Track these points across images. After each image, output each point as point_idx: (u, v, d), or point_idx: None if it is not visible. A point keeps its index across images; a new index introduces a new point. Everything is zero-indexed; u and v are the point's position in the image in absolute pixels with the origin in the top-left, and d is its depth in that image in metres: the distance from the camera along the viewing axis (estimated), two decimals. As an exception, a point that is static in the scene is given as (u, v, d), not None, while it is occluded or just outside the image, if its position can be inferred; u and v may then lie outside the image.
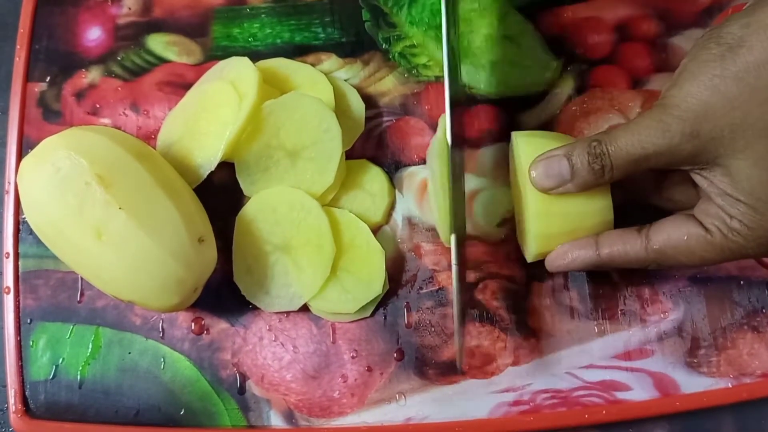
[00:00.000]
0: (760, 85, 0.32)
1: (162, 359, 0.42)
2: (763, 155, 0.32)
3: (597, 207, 0.37)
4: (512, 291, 0.43)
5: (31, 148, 0.40)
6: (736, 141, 0.32)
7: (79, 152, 0.38)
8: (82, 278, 0.43)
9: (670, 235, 0.36)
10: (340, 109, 0.44)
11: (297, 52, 0.46)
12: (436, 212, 0.42)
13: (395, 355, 0.42)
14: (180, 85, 0.46)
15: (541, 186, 0.37)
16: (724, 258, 0.35)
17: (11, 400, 0.41)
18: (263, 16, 0.47)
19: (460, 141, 0.41)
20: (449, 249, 0.42)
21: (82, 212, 0.37)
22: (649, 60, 0.46)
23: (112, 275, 0.38)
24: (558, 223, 0.38)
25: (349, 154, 0.44)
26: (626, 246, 0.37)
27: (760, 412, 0.42)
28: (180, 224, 0.38)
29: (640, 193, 0.40)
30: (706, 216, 0.35)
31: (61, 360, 0.42)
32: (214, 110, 0.43)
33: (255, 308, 0.42)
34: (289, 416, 0.41)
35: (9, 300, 0.43)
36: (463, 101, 0.44)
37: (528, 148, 0.38)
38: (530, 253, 0.40)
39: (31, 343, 0.42)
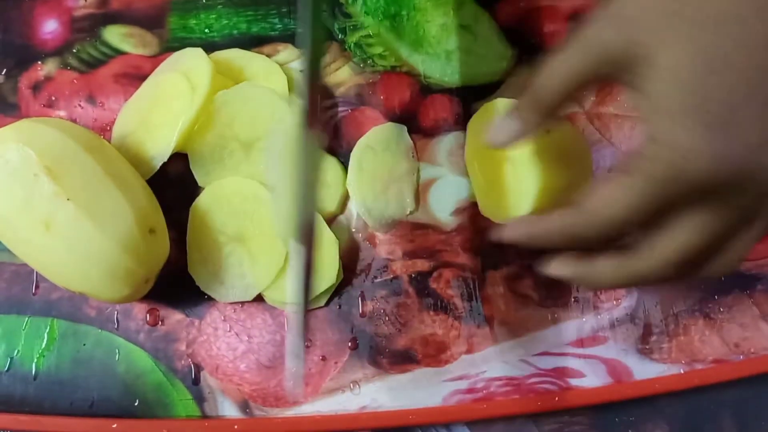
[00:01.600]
0: None
1: (117, 351, 0.42)
2: (686, 47, 0.27)
3: (583, 166, 0.39)
4: (466, 279, 0.43)
5: (-14, 141, 0.40)
6: (660, 31, 0.27)
7: (28, 144, 0.37)
8: (36, 270, 0.43)
9: (597, 190, 0.30)
10: (295, 99, 0.44)
11: (254, 42, 0.46)
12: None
13: (349, 344, 0.42)
14: (136, 77, 0.46)
15: (500, 143, 0.35)
16: (648, 195, 0.28)
17: (-34, 393, 0.42)
18: (220, 7, 0.47)
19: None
20: (404, 237, 0.43)
21: (30, 204, 0.37)
22: (605, 48, 0.46)
23: (61, 267, 0.38)
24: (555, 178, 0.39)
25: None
26: (561, 213, 0.32)
27: (760, 413, 0.42)
28: (129, 215, 0.38)
29: None
30: (629, 158, 0.29)
31: (16, 352, 0.42)
32: (168, 101, 0.43)
33: (210, 299, 0.42)
34: (243, 406, 0.41)
35: (-36, 293, 0.43)
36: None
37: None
38: (520, 213, 0.39)
39: (-14, 335, 0.42)
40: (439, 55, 0.46)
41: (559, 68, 0.31)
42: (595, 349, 0.42)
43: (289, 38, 0.46)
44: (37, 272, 0.43)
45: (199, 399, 0.41)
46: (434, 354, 0.42)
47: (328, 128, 0.45)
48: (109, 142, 0.43)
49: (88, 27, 0.47)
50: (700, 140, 0.27)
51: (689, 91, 0.27)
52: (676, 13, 0.27)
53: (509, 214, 0.40)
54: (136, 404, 0.41)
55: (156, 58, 0.46)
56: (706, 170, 0.27)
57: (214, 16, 0.47)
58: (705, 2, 0.27)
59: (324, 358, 0.42)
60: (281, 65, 0.45)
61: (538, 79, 0.32)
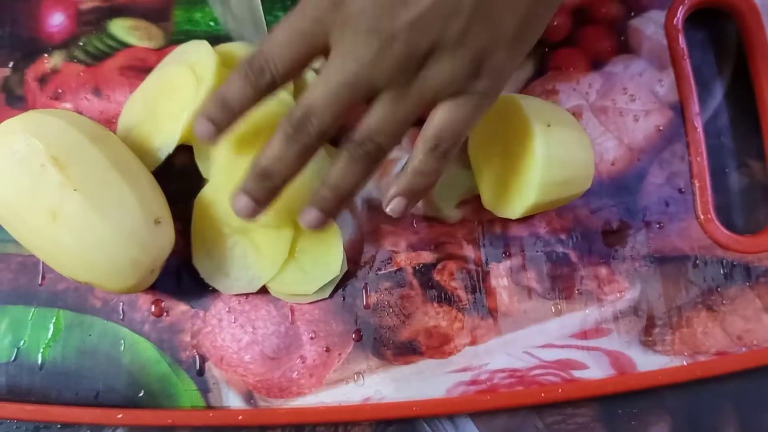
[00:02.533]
0: None
1: (122, 341, 0.42)
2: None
3: (585, 157, 0.39)
4: (470, 271, 0.43)
5: (-7, 133, 0.41)
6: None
7: (35, 135, 0.38)
8: (42, 261, 0.43)
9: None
10: (299, 91, 0.44)
11: (258, 36, 0.46)
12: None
13: (353, 335, 0.42)
14: (142, 70, 0.46)
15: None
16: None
17: (-27, 383, 0.42)
18: None
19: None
20: (408, 229, 0.43)
21: (37, 194, 0.37)
22: (608, 42, 0.46)
23: (67, 256, 0.38)
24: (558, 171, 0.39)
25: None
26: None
27: (762, 404, 0.42)
28: (135, 206, 0.38)
29: None
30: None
31: (22, 342, 0.42)
32: (173, 94, 0.43)
33: (214, 290, 0.42)
34: (248, 397, 0.41)
35: (-29, 284, 0.43)
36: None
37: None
38: (523, 206, 0.40)
39: (-8, 326, 0.43)
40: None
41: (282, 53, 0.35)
42: (599, 341, 0.42)
43: (293, 31, 0.46)
44: (43, 263, 0.43)
45: (204, 390, 0.41)
46: (438, 346, 0.42)
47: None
48: (115, 134, 0.43)
49: (95, 20, 0.47)
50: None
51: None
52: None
53: (512, 207, 0.40)
54: (141, 395, 0.41)
55: (161, 51, 0.46)
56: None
57: (219, 9, 0.47)
58: None
59: (328, 350, 0.42)
60: (286, 58, 0.45)
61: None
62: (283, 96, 0.42)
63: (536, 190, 0.39)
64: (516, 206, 0.40)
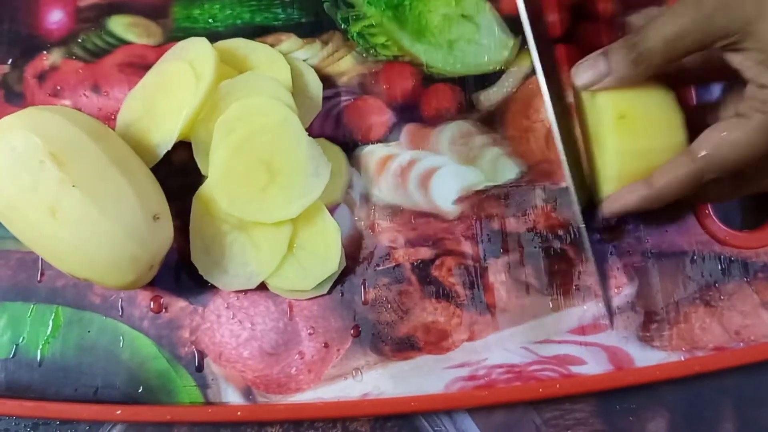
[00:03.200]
0: None
1: (121, 337, 0.42)
2: None
3: (674, 142, 0.38)
4: (468, 267, 0.43)
5: (-8, 130, 0.41)
6: (762, 4, 0.33)
7: (33, 131, 0.38)
8: (42, 258, 0.43)
9: (712, 138, 0.36)
10: (298, 88, 0.44)
11: (257, 32, 0.46)
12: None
13: (352, 331, 0.42)
14: (141, 66, 0.46)
15: (580, 82, 0.39)
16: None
17: (-28, 379, 0.42)
18: (223, -3, 0.47)
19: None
20: (407, 225, 0.43)
21: (36, 190, 0.37)
22: (606, 38, 0.46)
23: (66, 253, 0.38)
24: (632, 160, 0.39)
25: (307, 133, 0.44)
26: (675, 169, 0.37)
27: (760, 400, 0.42)
28: (134, 202, 0.38)
29: None
30: (739, 104, 0.35)
31: (21, 339, 0.42)
32: (172, 90, 0.43)
33: (213, 287, 0.42)
34: (246, 393, 0.41)
35: (-30, 280, 0.43)
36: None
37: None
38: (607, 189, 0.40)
39: (-9, 322, 0.43)
40: (442, 45, 0.46)
41: (667, 31, 0.35)
42: (597, 336, 0.42)
43: (291, 28, 0.47)
44: (42, 259, 0.43)
45: (203, 385, 0.42)
46: (436, 341, 0.42)
47: (330, 117, 0.45)
48: (114, 130, 0.44)
49: (93, 17, 0.47)
50: None
51: None
52: None
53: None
54: (140, 391, 0.42)
55: (160, 48, 0.46)
56: None
57: (217, 6, 0.47)
58: None
59: (326, 345, 0.42)
60: (284, 55, 0.45)
61: (643, 35, 0.36)
62: (284, 96, 0.42)
63: (614, 182, 0.39)
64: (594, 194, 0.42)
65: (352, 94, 0.45)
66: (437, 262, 0.43)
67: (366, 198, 0.44)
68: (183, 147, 0.43)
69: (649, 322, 0.42)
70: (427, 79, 0.46)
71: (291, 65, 0.44)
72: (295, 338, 0.42)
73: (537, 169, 0.44)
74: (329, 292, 0.43)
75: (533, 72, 0.45)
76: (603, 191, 0.41)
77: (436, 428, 0.42)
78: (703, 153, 0.36)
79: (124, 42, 0.47)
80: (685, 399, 0.42)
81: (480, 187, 0.44)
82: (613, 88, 0.38)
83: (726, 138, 0.35)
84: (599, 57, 0.38)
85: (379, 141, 0.45)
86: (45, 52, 0.46)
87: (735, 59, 0.35)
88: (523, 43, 0.46)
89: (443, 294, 0.43)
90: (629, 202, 0.39)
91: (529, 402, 0.42)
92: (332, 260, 0.42)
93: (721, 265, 0.43)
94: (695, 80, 0.43)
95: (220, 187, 0.42)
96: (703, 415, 0.42)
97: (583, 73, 0.38)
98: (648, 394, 0.42)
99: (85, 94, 0.46)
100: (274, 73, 0.44)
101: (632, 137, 0.39)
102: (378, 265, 0.43)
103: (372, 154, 0.45)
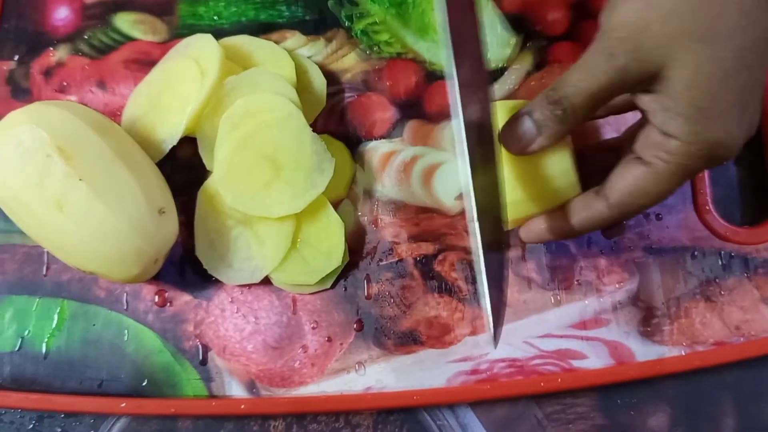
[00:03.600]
0: None
1: (126, 331, 0.43)
2: (700, 61, 0.31)
3: (560, 169, 0.38)
4: (470, 262, 0.43)
5: (-2, 125, 0.41)
6: (675, 50, 0.32)
7: (40, 125, 0.38)
8: (47, 252, 0.43)
9: (621, 186, 0.35)
10: (302, 85, 0.45)
11: (262, 29, 0.47)
12: None
13: (355, 325, 0.43)
14: (146, 63, 0.46)
15: (513, 149, 0.37)
16: (675, 183, 0.34)
17: (-22, 372, 0.42)
18: (228, -6, 0.48)
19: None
20: (410, 221, 0.43)
21: (43, 184, 0.38)
22: (608, 36, 0.46)
23: (73, 246, 0.38)
24: (524, 188, 0.38)
25: (311, 129, 0.44)
26: (590, 211, 0.37)
27: (760, 395, 0.43)
28: (140, 196, 0.39)
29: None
30: (645, 148, 0.34)
31: (26, 332, 0.43)
32: (177, 86, 0.43)
33: (217, 281, 0.43)
34: (250, 386, 0.42)
35: (-24, 274, 0.44)
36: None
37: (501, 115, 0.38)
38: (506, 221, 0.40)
39: (-3, 315, 0.43)
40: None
41: (586, 87, 0.34)
42: (598, 331, 0.42)
43: (296, 25, 0.47)
44: (47, 253, 0.44)
45: (207, 379, 0.42)
46: (438, 336, 0.42)
47: (334, 114, 0.45)
48: (119, 126, 0.44)
49: (99, 14, 0.47)
50: (709, 133, 0.32)
51: (699, 96, 0.32)
52: (685, 34, 0.31)
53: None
54: (144, 384, 0.42)
55: (165, 45, 0.47)
56: (714, 156, 0.33)
57: (222, 3, 0.47)
58: (715, 21, 0.31)
59: (330, 340, 0.42)
60: (289, 51, 0.45)
61: (564, 92, 0.35)
62: (288, 92, 0.43)
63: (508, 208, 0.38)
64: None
65: (355, 90, 0.46)
66: (440, 257, 0.43)
67: (369, 193, 0.44)
68: (188, 142, 0.44)
69: (650, 317, 0.42)
70: (430, 76, 0.46)
71: (295, 62, 0.45)
72: (299, 332, 0.42)
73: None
74: (333, 286, 0.43)
75: (535, 69, 0.46)
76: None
77: (438, 422, 0.42)
78: (616, 200, 0.35)
79: (129, 39, 0.47)
80: (685, 393, 0.42)
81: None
82: (544, 148, 0.37)
83: (636, 186, 0.35)
84: (524, 119, 0.36)
85: (382, 137, 0.45)
86: (51, 49, 0.47)
87: (643, 100, 0.34)
88: (525, 40, 0.46)
89: (446, 289, 0.43)
90: (543, 233, 0.39)
91: (531, 396, 0.42)
92: (336, 255, 0.42)
93: (722, 261, 0.44)
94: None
95: (225, 182, 0.42)
96: (704, 410, 0.42)
97: (512, 138, 0.37)
98: (649, 388, 0.42)
99: (91, 91, 0.46)
100: (279, 69, 0.44)
101: (520, 163, 0.38)
102: (381, 260, 0.43)
103: (375, 150, 0.45)
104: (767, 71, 0.33)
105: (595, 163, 0.40)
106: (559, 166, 0.38)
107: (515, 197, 0.38)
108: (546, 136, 0.36)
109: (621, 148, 0.39)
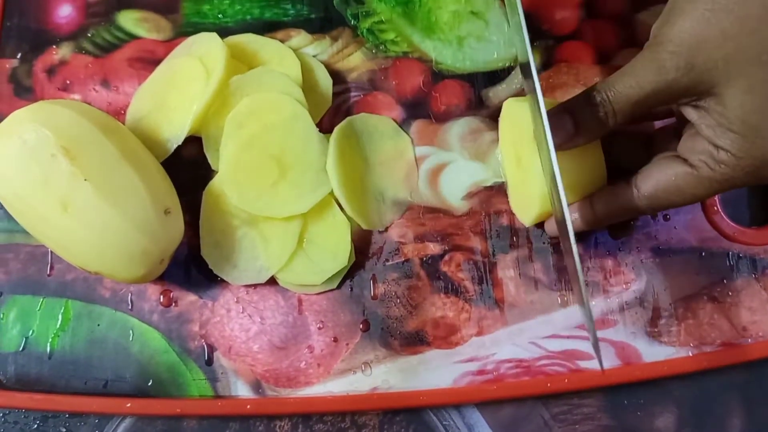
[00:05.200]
0: (750, 15, 0.32)
1: (131, 331, 0.42)
2: (755, 83, 0.32)
3: (590, 162, 0.38)
4: (477, 263, 0.43)
5: (1, 123, 0.41)
6: (730, 70, 0.32)
7: (44, 125, 0.38)
8: (51, 252, 0.43)
9: (659, 179, 0.36)
10: (308, 84, 0.44)
11: (267, 28, 0.47)
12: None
13: (361, 326, 0.42)
14: (150, 61, 0.46)
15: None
16: (713, 190, 0.35)
17: (-18, 372, 0.42)
18: (233, -8, 0.47)
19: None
20: (416, 221, 0.43)
21: (47, 184, 0.37)
22: (615, 36, 0.46)
23: (78, 246, 0.38)
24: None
25: (317, 129, 0.44)
26: (619, 199, 0.38)
27: (767, 396, 0.43)
28: (145, 196, 0.38)
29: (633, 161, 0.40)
30: (691, 153, 0.35)
31: (31, 332, 0.42)
32: (182, 85, 0.43)
33: (223, 281, 0.42)
34: (256, 386, 0.42)
35: (-20, 274, 0.43)
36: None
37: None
38: (530, 216, 0.41)
39: (1, 315, 0.43)
40: (451, 42, 0.46)
41: (632, 94, 0.35)
42: (605, 332, 0.42)
43: (301, 24, 0.47)
44: (52, 253, 0.43)
45: (212, 379, 0.42)
46: (445, 336, 0.42)
47: (340, 113, 0.45)
48: (124, 125, 0.44)
49: (103, 11, 0.47)
50: (759, 151, 0.33)
51: (752, 115, 0.33)
52: (740, 56, 0.32)
53: (523, 215, 0.42)
54: (149, 384, 0.42)
55: (170, 43, 0.46)
56: (761, 174, 0.34)
57: (227, 1, 0.47)
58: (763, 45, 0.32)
59: (336, 340, 0.42)
60: (294, 50, 0.45)
61: (609, 94, 0.35)
62: (294, 91, 0.42)
63: (537, 201, 0.39)
64: (526, 215, 0.42)
65: (361, 90, 0.46)
66: (446, 257, 0.43)
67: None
68: (193, 142, 0.43)
69: (657, 318, 0.42)
70: (437, 75, 0.46)
71: (301, 61, 0.44)
72: (305, 332, 0.42)
73: (545, 166, 0.44)
74: (339, 286, 0.43)
75: (542, 69, 0.46)
76: (533, 210, 0.40)
77: (444, 422, 0.42)
78: (649, 192, 0.36)
79: (133, 37, 0.47)
80: (693, 394, 0.42)
81: (489, 183, 0.44)
82: (579, 146, 0.38)
83: (674, 183, 0.36)
84: (564, 116, 0.37)
85: (388, 136, 0.45)
86: (54, 47, 0.47)
87: (693, 114, 0.35)
88: (533, 40, 0.46)
89: (452, 289, 0.43)
90: (573, 224, 0.38)
91: (538, 397, 0.42)
92: (342, 255, 0.42)
93: (730, 262, 0.43)
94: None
95: (231, 181, 0.42)
96: (711, 411, 0.42)
97: (552, 135, 0.37)
98: (656, 389, 0.42)
99: (94, 89, 0.46)
100: (285, 68, 0.44)
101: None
102: (387, 260, 0.43)
103: (381, 149, 0.45)
104: None
105: (621, 154, 0.41)
106: (590, 159, 0.38)
107: (544, 190, 0.38)
108: (584, 135, 0.37)
109: (653, 144, 0.40)
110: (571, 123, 0.37)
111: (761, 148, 0.33)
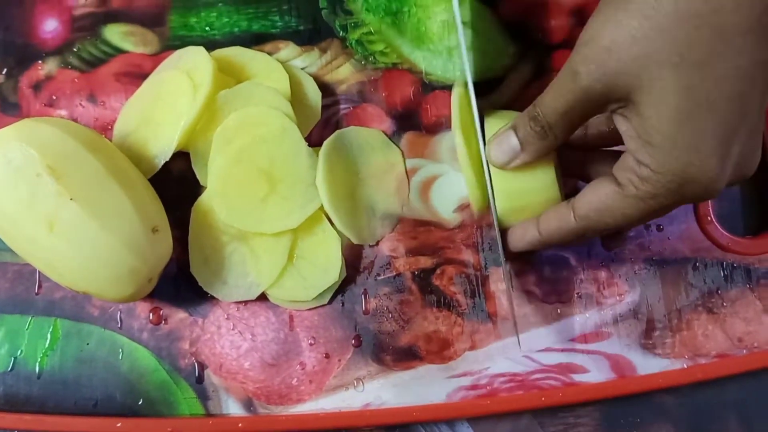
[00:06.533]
0: (659, 15, 0.29)
1: (120, 350, 0.42)
2: (667, 89, 0.30)
3: (542, 184, 0.38)
4: (469, 276, 0.43)
5: (-14, 141, 0.40)
6: (641, 75, 0.30)
7: (30, 144, 0.37)
8: (39, 270, 0.43)
9: (591, 200, 0.34)
10: (297, 97, 0.44)
11: (255, 40, 0.46)
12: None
13: (353, 341, 0.42)
14: (137, 76, 0.46)
15: (497, 163, 0.37)
16: (642, 211, 0.33)
17: (-30, 393, 0.42)
18: (220, 4, 0.47)
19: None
20: (407, 234, 0.43)
21: (33, 204, 0.37)
22: (606, 44, 0.46)
23: (65, 266, 0.38)
24: (507, 199, 0.38)
25: (306, 142, 0.43)
26: (560, 221, 0.36)
27: (764, 412, 0.42)
28: (133, 214, 0.38)
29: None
30: (620, 170, 0.33)
31: (19, 352, 0.42)
32: (170, 100, 0.43)
33: (213, 298, 0.42)
34: (247, 404, 0.41)
35: (-33, 293, 0.43)
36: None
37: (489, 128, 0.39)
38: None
39: (-11, 335, 0.42)
40: (441, 52, 0.45)
41: (557, 105, 0.34)
42: (599, 344, 0.42)
43: (289, 36, 0.46)
44: (40, 272, 0.43)
45: (203, 397, 0.41)
46: (438, 351, 0.42)
47: (329, 126, 0.45)
48: (111, 141, 0.43)
49: (89, 26, 0.47)
50: (678, 166, 0.31)
51: (668, 125, 0.30)
52: (653, 58, 0.30)
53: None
54: (140, 403, 0.41)
55: (157, 57, 0.46)
56: (686, 193, 0.31)
57: (214, 14, 0.47)
58: (686, 46, 0.29)
59: (328, 356, 0.42)
60: (282, 63, 0.45)
61: (540, 109, 0.35)
62: (283, 105, 0.42)
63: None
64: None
65: (351, 102, 0.45)
66: (438, 271, 0.43)
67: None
68: (181, 157, 0.43)
69: (652, 330, 0.42)
70: (427, 86, 0.45)
71: (289, 73, 0.44)
72: (296, 349, 0.42)
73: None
74: (330, 302, 0.42)
75: (534, 78, 0.45)
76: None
77: (438, 439, 0.42)
78: (582, 213, 0.35)
79: (120, 51, 0.46)
80: (689, 412, 0.42)
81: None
82: (527, 163, 0.37)
83: (604, 203, 0.34)
84: (509, 133, 0.37)
85: (378, 149, 0.44)
86: (40, 62, 0.46)
87: (621, 125, 0.33)
88: (525, 48, 0.46)
89: (444, 303, 0.42)
90: (520, 242, 0.39)
91: (533, 415, 0.42)
92: (333, 270, 0.42)
93: (724, 272, 0.43)
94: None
95: (220, 197, 0.41)
96: (708, 428, 0.42)
97: (497, 152, 0.37)
98: (652, 406, 0.42)
99: (81, 104, 0.45)
100: (273, 81, 0.44)
101: (505, 175, 0.38)
102: (379, 275, 0.43)
103: (372, 162, 0.44)
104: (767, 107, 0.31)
105: (591, 174, 0.40)
106: (543, 180, 0.38)
107: (500, 208, 0.38)
108: (528, 152, 0.36)
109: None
110: (516, 140, 0.36)
111: (680, 161, 0.30)
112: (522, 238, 0.38)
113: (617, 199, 0.33)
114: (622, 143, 0.33)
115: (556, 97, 0.34)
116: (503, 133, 0.37)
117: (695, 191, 0.31)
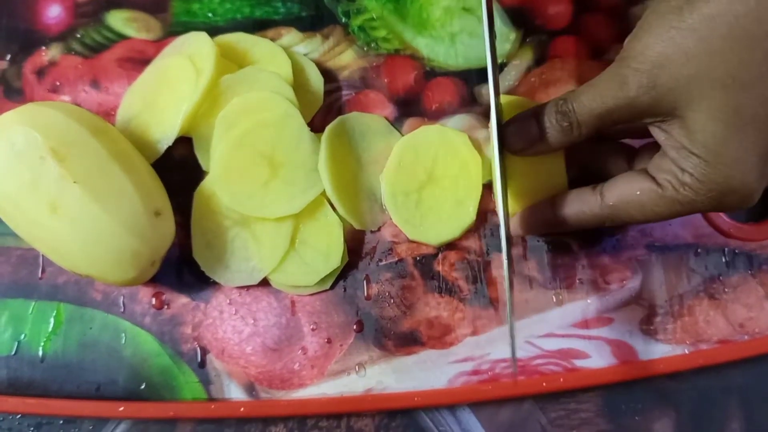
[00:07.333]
0: (714, 36, 0.31)
1: (123, 334, 0.42)
2: (717, 107, 0.31)
3: (550, 169, 0.38)
4: (471, 262, 0.43)
5: (-9, 126, 0.40)
6: (692, 92, 0.32)
7: (33, 127, 0.38)
8: (42, 255, 0.43)
9: (623, 191, 0.35)
10: (299, 83, 0.44)
11: (257, 26, 0.46)
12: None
13: (354, 326, 0.42)
14: (140, 61, 0.46)
15: (513, 148, 0.37)
16: (674, 212, 0.34)
17: (-26, 377, 0.42)
18: (223, -9, 0.47)
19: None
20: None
21: (37, 187, 0.37)
22: (609, 30, 0.46)
23: (68, 249, 0.38)
24: (512, 182, 0.38)
25: (309, 128, 0.43)
26: (582, 205, 0.37)
27: (766, 397, 0.42)
28: (135, 197, 0.38)
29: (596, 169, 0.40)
30: (659, 171, 0.34)
31: (23, 336, 0.42)
32: (172, 85, 0.43)
33: (215, 282, 0.42)
34: (249, 388, 0.41)
35: (-29, 277, 0.43)
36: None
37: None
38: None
39: (-7, 319, 0.43)
40: (443, 38, 0.45)
41: (595, 107, 0.34)
42: (600, 330, 0.42)
43: (292, 22, 0.46)
44: (43, 256, 0.43)
45: (206, 382, 0.41)
46: (439, 336, 0.42)
47: (332, 112, 0.45)
48: (114, 126, 0.43)
49: (92, 12, 0.47)
50: (721, 178, 0.32)
51: (714, 141, 0.32)
52: (705, 78, 0.31)
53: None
54: (142, 387, 0.41)
55: (159, 43, 0.46)
56: (724, 202, 0.33)
57: (217, 0, 0.47)
58: (737, 67, 0.31)
59: (329, 341, 0.42)
60: (285, 49, 0.45)
61: (574, 106, 0.35)
62: (285, 90, 0.42)
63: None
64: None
65: (353, 88, 0.45)
66: (440, 256, 0.43)
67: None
68: (184, 142, 0.43)
69: (653, 316, 0.42)
70: (429, 72, 0.45)
71: (292, 59, 0.44)
72: (298, 334, 0.42)
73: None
74: (332, 287, 0.42)
75: (535, 65, 0.45)
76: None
77: (441, 428, 0.42)
78: (612, 202, 0.36)
79: (123, 37, 0.46)
80: (691, 398, 0.42)
81: (482, 181, 0.44)
82: (544, 154, 0.38)
83: (636, 198, 0.35)
84: (531, 121, 0.37)
85: (380, 135, 0.44)
86: (44, 48, 0.46)
87: (659, 135, 0.34)
88: (526, 35, 0.46)
89: (446, 289, 0.42)
90: (534, 225, 0.39)
91: (535, 401, 0.42)
92: (335, 255, 0.42)
93: (726, 258, 0.43)
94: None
95: (222, 182, 0.41)
96: (710, 415, 0.42)
97: (516, 138, 0.37)
98: (654, 393, 0.42)
99: (84, 90, 0.46)
100: (275, 67, 0.44)
101: (513, 157, 0.38)
102: (380, 260, 0.43)
103: (374, 148, 0.44)
104: None
105: (603, 165, 0.40)
106: (552, 164, 0.38)
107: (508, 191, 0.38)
108: (549, 143, 0.37)
109: (635, 160, 0.39)
110: (537, 128, 0.36)
111: (723, 175, 0.32)
112: (536, 220, 0.38)
113: (653, 197, 0.34)
114: (634, 137, 0.35)
115: (595, 99, 0.34)
116: (524, 120, 0.37)
117: (733, 201, 0.33)
